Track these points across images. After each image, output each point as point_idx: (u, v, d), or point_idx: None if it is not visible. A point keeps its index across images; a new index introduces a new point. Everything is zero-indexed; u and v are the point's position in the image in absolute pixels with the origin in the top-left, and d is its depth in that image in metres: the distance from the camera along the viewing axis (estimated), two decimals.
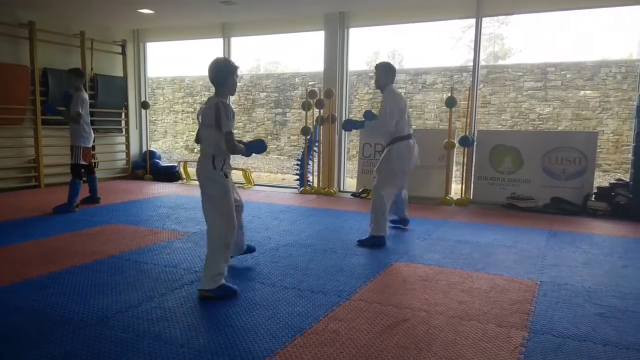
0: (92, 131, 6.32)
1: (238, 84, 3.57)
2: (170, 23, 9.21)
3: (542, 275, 3.85)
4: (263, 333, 2.73)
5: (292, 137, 14.11)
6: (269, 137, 14.50)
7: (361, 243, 4.65)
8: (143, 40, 9.91)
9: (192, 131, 15.77)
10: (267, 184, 9.48)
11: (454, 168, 7.66)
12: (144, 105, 9.68)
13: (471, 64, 7.47)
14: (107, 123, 9.42)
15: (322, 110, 7.94)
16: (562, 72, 11.55)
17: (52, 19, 8.25)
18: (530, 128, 11.66)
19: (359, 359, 2.47)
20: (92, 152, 7.07)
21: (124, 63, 9.53)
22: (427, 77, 12.69)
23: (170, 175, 9.39)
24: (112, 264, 3.96)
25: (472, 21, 7.36)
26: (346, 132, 8.30)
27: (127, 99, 9.64)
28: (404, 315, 3.02)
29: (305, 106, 8.06)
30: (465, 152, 7.37)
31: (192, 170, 9.89)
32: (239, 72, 3.56)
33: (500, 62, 17.46)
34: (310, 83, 13.31)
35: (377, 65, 4.85)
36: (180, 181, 9.32)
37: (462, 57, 19.58)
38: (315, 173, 8.33)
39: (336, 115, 8.01)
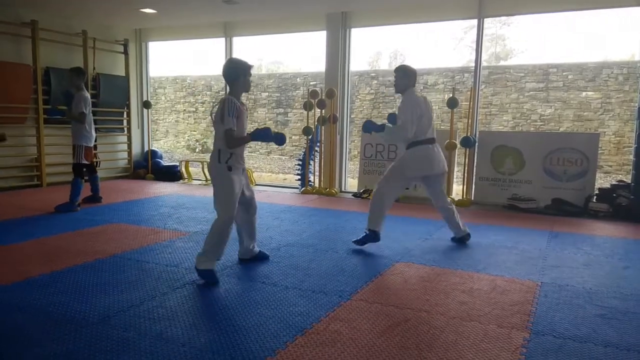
0: (93, 130, 6.33)
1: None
2: (173, 22, 9.22)
3: (543, 276, 3.85)
4: (264, 332, 2.73)
5: (293, 137, 14.12)
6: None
7: (356, 242, 4.57)
8: (145, 40, 9.92)
9: (194, 131, 15.79)
10: (268, 184, 9.49)
11: (456, 169, 7.67)
12: (146, 104, 9.70)
13: (473, 64, 7.47)
14: (109, 122, 9.43)
15: (323, 111, 7.95)
16: (564, 73, 11.54)
17: (54, 18, 8.26)
18: (532, 129, 11.66)
19: (360, 359, 2.47)
20: (94, 152, 7.09)
21: (126, 62, 9.54)
22: (428, 78, 12.69)
23: (171, 174, 9.41)
24: (114, 263, 3.97)
25: (474, 22, 7.36)
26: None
27: (129, 98, 9.65)
28: (405, 315, 3.03)
29: (307, 106, 8.07)
30: (467, 153, 7.37)
31: (193, 170, 9.91)
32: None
33: (502, 62, 17.44)
34: (312, 83, 13.31)
35: (396, 68, 4.62)
36: (181, 181, 9.33)
37: (463, 57, 19.56)
38: (317, 173, 8.34)
39: (337, 115, 8.02)
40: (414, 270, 3.97)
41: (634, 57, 12.95)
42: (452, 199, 7.15)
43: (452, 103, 7.03)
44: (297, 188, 8.44)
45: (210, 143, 15.47)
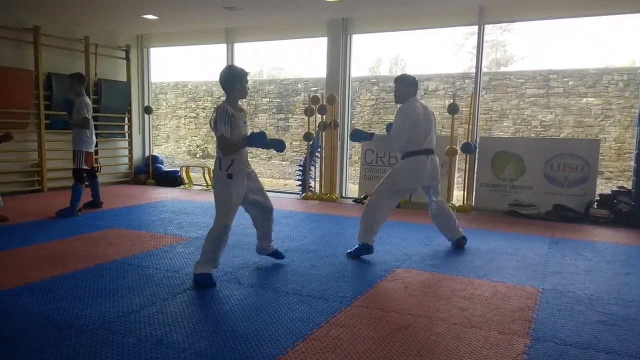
0: (94, 136, 6.33)
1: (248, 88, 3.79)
2: (174, 29, 9.25)
3: (544, 282, 3.85)
4: (265, 338, 2.73)
5: (294, 143, 14.13)
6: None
7: (349, 255, 4.48)
8: (147, 46, 9.96)
9: (195, 136, 15.81)
10: (269, 189, 9.39)
11: (456, 174, 7.66)
12: (147, 110, 9.72)
13: (473, 70, 7.49)
14: (110, 128, 9.45)
15: (324, 116, 7.96)
16: (565, 79, 11.55)
17: (56, 23, 8.30)
18: (533, 135, 11.66)
19: None
20: (95, 157, 7.08)
21: (128, 68, 9.57)
22: (429, 84, 12.71)
23: (172, 180, 9.41)
24: (115, 269, 3.97)
25: (475, 28, 7.39)
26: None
27: (131, 103, 9.68)
28: (405, 321, 3.02)
29: (308, 112, 8.08)
30: (468, 159, 7.37)
31: (194, 175, 9.92)
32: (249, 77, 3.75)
33: (503, 69, 17.49)
34: (312, 89, 13.34)
35: (396, 78, 4.51)
36: (182, 186, 9.34)
37: (464, 63, 19.62)
38: (317, 179, 8.34)
39: (338, 121, 8.03)
40: (415, 276, 3.96)
41: (635, 63, 12.99)
42: (453, 205, 7.16)
43: (453, 109, 7.04)
44: (297, 194, 8.44)
45: (210, 149, 15.51)
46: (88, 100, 6.20)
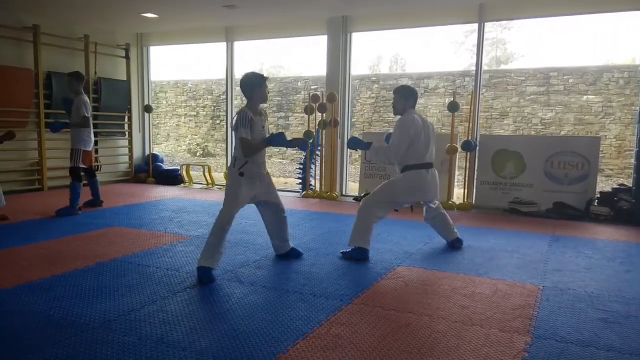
0: (92, 135, 6.32)
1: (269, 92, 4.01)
2: (174, 27, 9.24)
3: (544, 280, 3.84)
4: (265, 337, 2.72)
5: None
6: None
7: (344, 255, 4.41)
8: (146, 44, 9.95)
9: (195, 135, 15.80)
10: None
11: (457, 172, 7.66)
12: (147, 108, 9.72)
13: (474, 68, 7.48)
14: (110, 126, 9.44)
15: (324, 114, 7.95)
16: (565, 77, 11.54)
17: (56, 22, 8.29)
18: (533, 133, 11.66)
19: None
20: (95, 156, 7.07)
21: (127, 67, 9.56)
22: (429, 82, 12.70)
23: (172, 178, 9.41)
24: (115, 267, 3.97)
25: (475, 26, 7.38)
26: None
27: (130, 102, 9.67)
28: (406, 319, 3.02)
29: (308, 110, 8.08)
30: (468, 157, 7.37)
31: (194, 173, 9.92)
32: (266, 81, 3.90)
33: (503, 66, 17.47)
34: (312, 87, 13.33)
35: (395, 89, 4.42)
36: (182, 184, 9.34)
37: (464, 61, 19.60)
38: (318, 177, 8.34)
39: (338, 119, 8.02)
40: (415, 274, 3.96)
41: (635, 60, 12.98)
42: (454, 203, 7.16)
43: (453, 107, 7.03)
44: (298, 192, 8.44)
45: (210, 147, 15.52)
46: (87, 99, 6.19)
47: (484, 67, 10.01)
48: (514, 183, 7.05)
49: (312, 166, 8.32)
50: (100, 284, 3.56)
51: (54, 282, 3.57)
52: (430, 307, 3.24)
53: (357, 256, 4.33)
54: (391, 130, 4.47)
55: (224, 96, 9.74)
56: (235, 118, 3.77)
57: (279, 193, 4.28)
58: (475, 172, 7.33)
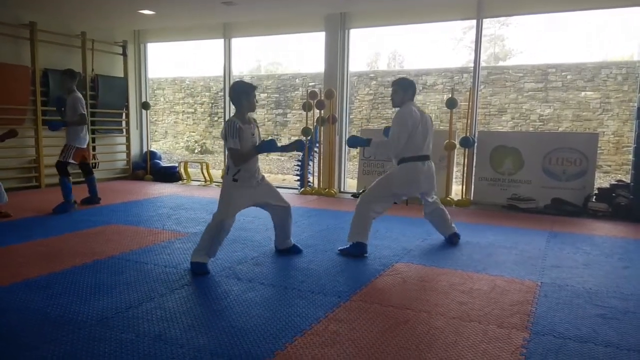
0: (87, 133, 6.29)
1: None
2: (171, 24, 9.22)
3: (542, 276, 3.85)
4: (263, 334, 2.72)
5: (292, 138, 14.11)
6: (269, 137, 14.51)
7: (342, 252, 4.41)
8: (144, 41, 9.92)
9: (193, 132, 15.78)
10: None
11: (455, 169, 7.65)
12: (145, 105, 9.69)
13: (472, 65, 7.47)
14: (108, 123, 9.42)
15: (322, 111, 7.94)
16: (563, 73, 11.54)
17: (53, 19, 8.25)
18: (531, 129, 11.66)
19: (359, 359, 2.46)
20: (93, 153, 7.04)
21: (125, 64, 9.54)
22: (427, 78, 12.69)
23: (170, 175, 9.40)
24: (113, 264, 3.96)
25: (473, 22, 7.36)
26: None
27: (128, 99, 9.65)
28: (404, 316, 3.02)
29: (306, 107, 8.06)
30: (466, 153, 7.36)
31: (192, 170, 9.90)
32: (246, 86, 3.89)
33: (501, 63, 17.44)
34: (310, 84, 13.31)
35: (393, 82, 4.41)
36: (180, 182, 9.32)
37: (462, 58, 19.56)
38: (316, 174, 8.34)
39: (337, 116, 8.01)
40: (413, 271, 3.96)
41: (633, 57, 12.96)
42: (452, 199, 7.16)
43: (451, 103, 7.03)
44: (296, 189, 8.44)
45: (208, 144, 15.50)
46: (81, 96, 6.14)
47: (482, 64, 9.99)
48: (512, 179, 7.05)
49: (310, 163, 8.32)
50: (98, 281, 3.55)
51: (51, 280, 3.56)
52: (428, 303, 3.24)
53: (355, 252, 4.32)
54: (389, 125, 4.46)
55: (222, 93, 9.72)
56: (223, 127, 3.79)
57: (278, 190, 4.26)
58: (474, 169, 7.33)
